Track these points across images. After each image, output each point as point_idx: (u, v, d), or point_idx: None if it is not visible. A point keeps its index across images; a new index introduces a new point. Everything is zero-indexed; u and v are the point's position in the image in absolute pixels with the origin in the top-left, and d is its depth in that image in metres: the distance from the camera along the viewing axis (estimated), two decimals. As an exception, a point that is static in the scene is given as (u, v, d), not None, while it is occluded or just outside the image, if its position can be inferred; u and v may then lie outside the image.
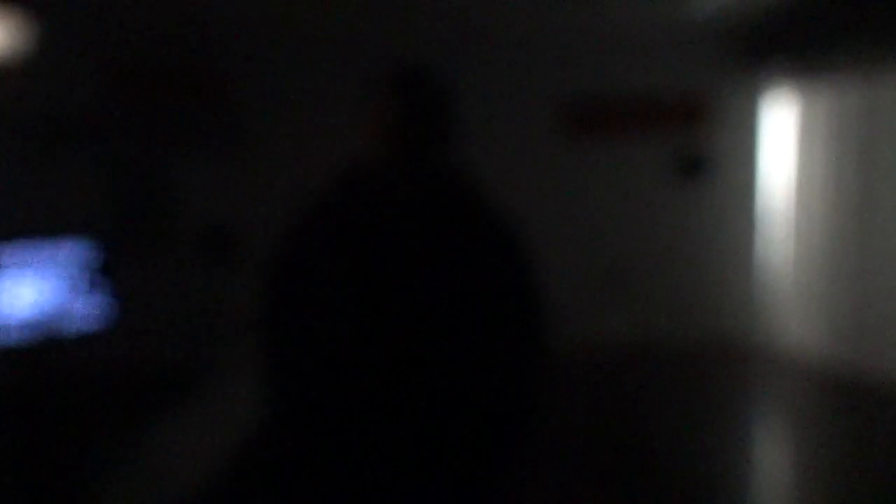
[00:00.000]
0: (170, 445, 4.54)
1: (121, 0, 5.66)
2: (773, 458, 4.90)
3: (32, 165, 6.52)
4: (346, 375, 1.64)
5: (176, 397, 5.41)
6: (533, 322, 1.76)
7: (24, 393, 5.85)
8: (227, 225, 6.88)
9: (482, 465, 1.71)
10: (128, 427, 5.04)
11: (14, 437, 5.07)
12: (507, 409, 1.72)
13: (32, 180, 6.49)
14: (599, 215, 7.25)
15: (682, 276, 7.30)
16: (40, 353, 5.90)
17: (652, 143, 7.21)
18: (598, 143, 7.19)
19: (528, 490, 4.10)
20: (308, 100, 6.94)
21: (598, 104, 7.15)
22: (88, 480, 4.28)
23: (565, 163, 7.18)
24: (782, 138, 7.12)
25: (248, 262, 6.73)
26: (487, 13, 6.10)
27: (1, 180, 6.41)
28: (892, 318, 5.88)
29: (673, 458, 4.58)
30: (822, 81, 6.57)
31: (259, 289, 1.76)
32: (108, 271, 6.19)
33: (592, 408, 5.61)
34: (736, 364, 6.79)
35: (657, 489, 4.15)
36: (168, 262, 6.86)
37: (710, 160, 7.26)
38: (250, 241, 6.81)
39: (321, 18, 6.13)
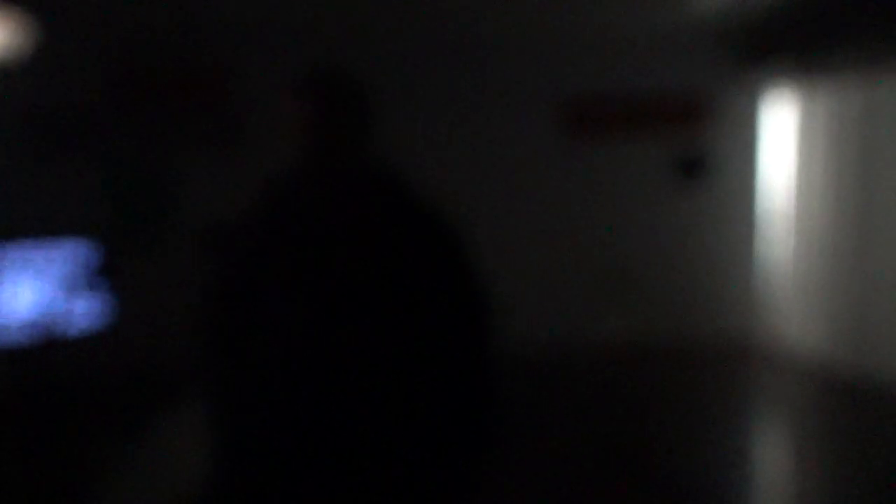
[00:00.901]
0: (170, 445, 4.54)
1: (121, 0, 5.66)
2: (773, 458, 4.90)
3: (32, 165, 6.52)
4: (289, 386, 1.63)
5: (175, 397, 5.41)
6: (468, 312, 1.72)
7: (24, 393, 5.85)
8: (227, 225, 6.87)
9: (428, 468, 1.68)
10: (127, 427, 5.04)
11: (14, 437, 5.07)
12: (452, 410, 1.69)
13: (32, 180, 6.48)
14: (599, 215, 7.24)
15: (682, 276, 7.29)
16: (40, 353, 5.90)
17: (652, 143, 7.21)
18: (599, 143, 7.18)
19: (527, 489, 4.10)
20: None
21: (598, 104, 7.15)
22: (88, 480, 4.27)
23: (565, 163, 7.17)
24: (782, 138, 7.12)
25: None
26: (487, 13, 6.10)
27: (1, 180, 6.41)
28: (892, 318, 5.87)
29: (673, 458, 4.58)
30: (822, 81, 6.56)
31: (200, 299, 1.77)
32: (108, 271, 6.19)
33: (592, 407, 5.60)
34: (736, 364, 6.79)
35: (657, 489, 4.15)
36: (168, 262, 6.86)
37: (710, 160, 7.26)
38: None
39: (322, 18, 6.13)
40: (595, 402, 5.75)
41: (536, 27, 6.57)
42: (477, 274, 1.75)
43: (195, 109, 6.84)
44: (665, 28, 6.66)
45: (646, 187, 7.25)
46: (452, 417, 1.68)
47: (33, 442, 4.92)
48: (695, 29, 6.70)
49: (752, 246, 7.38)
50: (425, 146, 6.90)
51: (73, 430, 5.10)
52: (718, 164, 7.28)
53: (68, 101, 6.59)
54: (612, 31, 6.72)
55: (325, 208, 1.68)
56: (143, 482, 4.18)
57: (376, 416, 1.63)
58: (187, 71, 6.81)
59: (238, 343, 1.69)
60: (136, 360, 6.57)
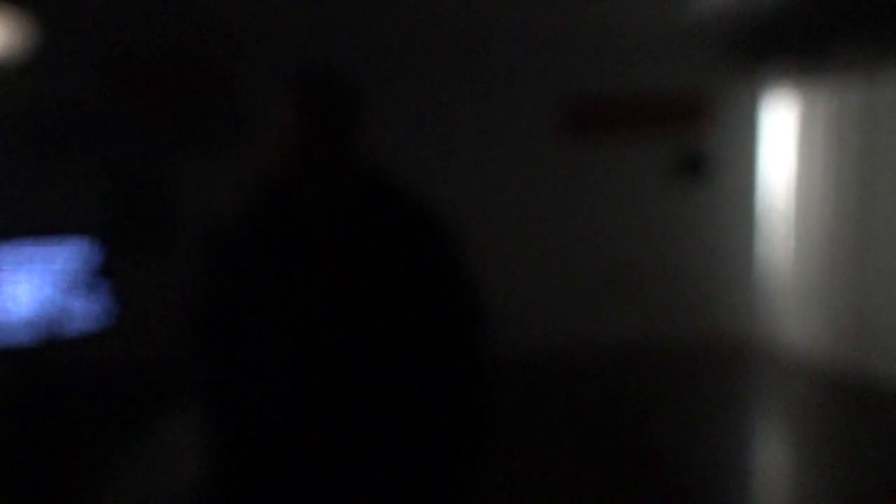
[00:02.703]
0: (170, 445, 4.54)
1: (121, 0, 5.66)
2: (773, 457, 4.90)
3: (33, 165, 6.52)
4: (281, 385, 1.63)
5: (175, 397, 5.41)
6: (463, 315, 1.73)
7: (24, 393, 5.85)
8: (221, 224, 6.87)
9: (423, 468, 1.68)
10: (128, 427, 5.04)
11: (14, 436, 5.07)
12: (445, 410, 1.69)
13: (33, 180, 6.49)
14: (599, 215, 7.25)
15: (682, 276, 7.30)
16: (40, 353, 5.90)
17: (652, 142, 7.21)
18: (598, 142, 7.19)
19: (527, 489, 4.10)
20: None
21: (598, 104, 7.15)
22: (88, 480, 4.28)
23: (565, 162, 7.17)
24: (782, 138, 7.12)
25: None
26: (487, 13, 6.10)
27: (1, 180, 6.41)
28: (892, 318, 5.87)
29: (673, 458, 4.58)
30: (822, 81, 6.57)
31: (193, 299, 1.77)
32: (108, 271, 6.19)
33: (592, 407, 5.61)
34: (736, 364, 6.79)
35: (657, 489, 4.15)
36: (168, 262, 6.86)
37: (710, 160, 7.26)
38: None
39: (323, 18, 6.13)
40: (595, 402, 5.75)
41: (536, 27, 6.57)
42: (468, 273, 1.75)
43: (195, 109, 6.84)
44: (665, 28, 6.66)
45: (646, 187, 7.25)
46: (445, 417, 1.68)
47: (33, 442, 4.92)
48: (695, 29, 6.70)
49: (752, 246, 7.38)
50: (425, 146, 6.91)
51: (73, 429, 5.10)
52: (718, 164, 7.28)
53: (69, 101, 6.60)
54: (612, 31, 6.72)
55: (318, 207, 1.68)
56: (143, 482, 4.18)
57: (371, 415, 1.63)
58: (187, 71, 6.82)
59: (232, 343, 1.69)
60: (136, 360, 6.57)
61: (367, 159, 1.77)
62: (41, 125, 6.55)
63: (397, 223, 1.70)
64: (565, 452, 4.66)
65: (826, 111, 6.57)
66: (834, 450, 4.78)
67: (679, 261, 7.29)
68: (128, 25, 6.36)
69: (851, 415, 5.43)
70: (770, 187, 7.27)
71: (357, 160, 1.74)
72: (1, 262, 5.56)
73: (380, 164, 1.78)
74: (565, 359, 6.92)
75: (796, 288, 6.94)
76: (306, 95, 1.71)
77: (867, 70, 6.04)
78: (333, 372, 1.62)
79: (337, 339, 1.62)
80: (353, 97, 1.75)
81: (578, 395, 5.94)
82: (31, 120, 6.52)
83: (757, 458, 4.86)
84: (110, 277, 6.20)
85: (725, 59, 7.16)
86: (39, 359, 5.93)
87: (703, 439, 4.92)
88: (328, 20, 6.21)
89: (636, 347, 7.13)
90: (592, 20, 6.36)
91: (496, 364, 1.82)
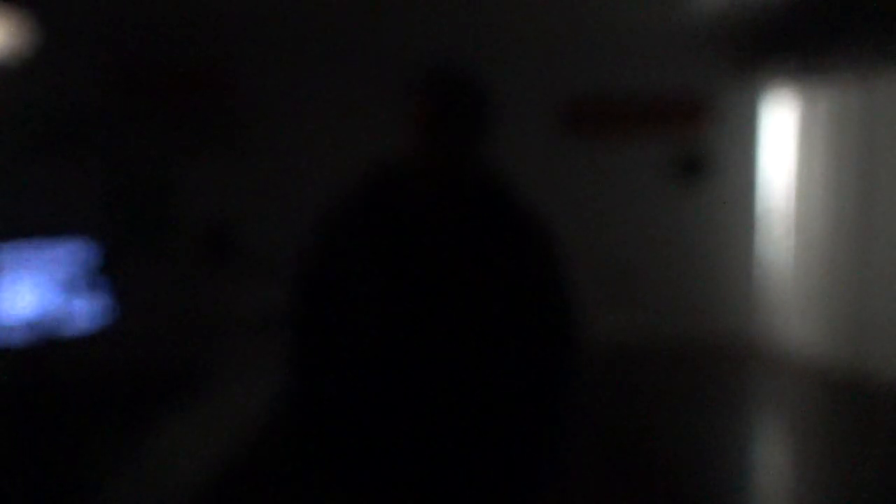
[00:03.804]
0: (170, 445, 4.54)
1: (121, 0, 5.66)
2: (772, 457, 4.90)
3: (32, 165, 6.52)
4: (376, 375, 1.64)
5: (176, 397, 5.41)
6: (562, 322, 1.77)
7: (24, 393, 5.85)
8: (227, 225, 6.88)
9: (512, 467, 1.71)
10: (128, 427, 5.04)
11: (14, 437, 5.07)
12: (538, 409, 1.73)
13: (32, 180, 6.48)
14: (599, 215, 7.24)
15: (682, 276, 7.29)
16: (40, 353, 5.90)
17: (652, 143, 7.21)
18: (599, 143, 7.18)
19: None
20: (308, 100, 6.94)
21: (598, 104, 7.15)
22: (88, 480, 4.27)
23: (565, 162, 7.17)
24: (782, 138, 7.12)
25: (248, 262, 6.72)
26: (488, 14, 6.10)
27: (1, 180, 6.41)
28: (892, 318, 5.87)
29: (673, 457, 4.58)
30: (822, 81, 6.56)
31: (291, 286, 1.76)
32: (108, 271, 6.19)
33: (591, 407, 5.60)
34: (736, 364, 6.79)
35: (657, 489, 4.15)
36: (168, 262, 6.86)
37: (710, 160, 7.26)
38: (250, 241, 6.81)
39: (322, 18, 6.13)
40: (594, 402, 5.75)
41: (537, 27, 6.57)
42: (567, 278, 1.80)
43: (195, 109, 6.84)
44: (665, 28, 6.66)
45: (646, 187, 7.25)
46: (537, 410, 1.72)
47: (33, 442, 4.92)
48: (695, 29, 6.70)
49: (752, 246, 7.38)
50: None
51: (73, 429, 5.10)
52: (718, 164, 7.28)
53: (68, 101, 6.59)
54: (612, 31, 6.72)
55: (433, 203, 1.69)
56: (144, 481, 4.18)
57: (460, 411, 1.65)
58: (187, 71, 6.82)
59: (329, 333, 1.69)
60: (136, 359, 6.57)
61: (484, 162, 1.80)
62: (41, 125, 6.55)
63: (503, 228, 1.73)
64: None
65: (826, 111, 6.57)
66: (833, 450, 4.78)
67: (679, 261, 7.29)
68: (128, 25, 6.36)
69: (851, 415, 5.42)
70: (770, 187, 7.27)
71: (475, 161, 1.76)
72: (1, 263, 5.56)
73: (494, 169, 1.80)
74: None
75: (796, 288, 6.94)
76: (435, 94, 1.73)
77: (867, 70, 6.04)
78: (425, 365, 1.64)
79: (429, 334, 1.64)
80: (481, 99, 1.78)
81: (578, 395, 5.93)
82: (31, 120, 6.52)
83: (756, 458, 4.86)
84: (110, 277, 6.20)
85: (725, 60, 7.16)
86: (39, 359, 5.93)
87: (702, 439, 4.92)
88: (328, 20, 6.21)
89: (636, 347, 7.13)
90: (593, 21, 6.36)
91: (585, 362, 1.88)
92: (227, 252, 6.85)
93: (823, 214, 6.62)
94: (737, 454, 4.78)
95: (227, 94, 6.84)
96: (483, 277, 1.66)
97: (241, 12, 5.97)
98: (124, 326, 6.34)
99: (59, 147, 6.63)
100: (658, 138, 7.20)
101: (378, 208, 1.70)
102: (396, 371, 1.62)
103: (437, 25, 6.45)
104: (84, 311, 5.97)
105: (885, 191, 5.98)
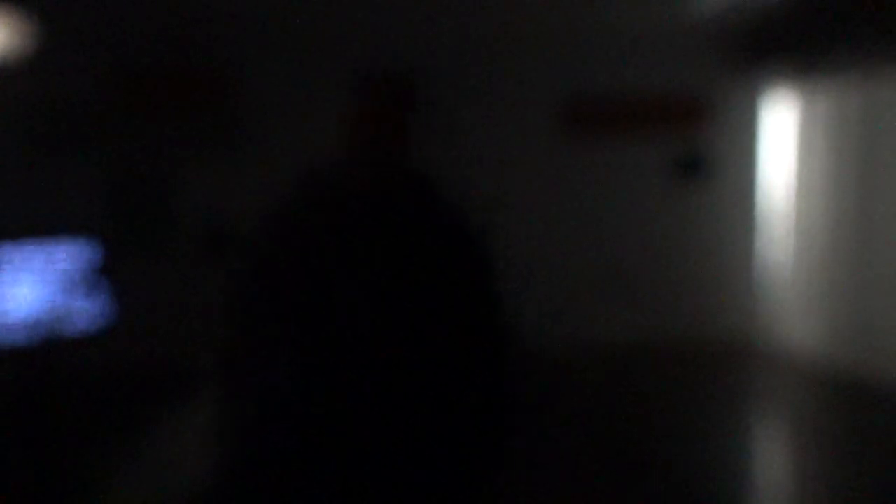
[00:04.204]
0: (170, 446, 4.54)
1: (121, 1, 5.66)
2: (772, 457, 4.90)
3: (32, 165, 6.52)
4: (309, 380, 1.61)
5: (176, 397, 5.41)
6: (495, 326, 1.73)
7: (24, 393, 5.85)
8: (227, 225, 6.88)
9: (454, 469, 1.68)
10: (128, 427, 5.04)
11: (14, 436, 5.07)
12: (476, 412, 1.69)
13: (32, 180, 6.48)
14: (599, 215, 7.24)
15: (682, 276, 7.29)
16: (40, 353, 5.90)
17: (652, 143, 7.21)
18: (598, 143, 7.19)
19: (527, 489, 4.10)
20: (308, 100, 6.94)
21: (597, 104, 7.15)
22: (89, 480, 4.27)
23: (565, 163, 7.17)
24: (782, 138, 7.12)
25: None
26: (488, 13, 6.10)
27: (1, 180, 6.41)
28: (892, 318, 5.87)
29: (672, 457, 4.58)
30: (822, 81, 6.57)
31: (226, 288, 1.74)
32: (108, 271, 6.18)
33: (592, 407, 5.61)
34: (736, 364, 6.79)
35: (657, 489, 4.15)
36: (168, 262, 6.86)
37: (710, 160, 7.26)
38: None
39: (322, 18, 6.13)
40: (594, 402, 5.75)
41: (536, 27, 6.57)
42: (501, 279, 1.76)
43: (195, 109, 6.84)
44: (665, 28, 6.66)
45: (646, 187, 7.25)
46: (474, 421, 1.69)
47: (34, 442, 4.92)
48: (695, 29, 6.70)
49: (752, 246, 7.38)
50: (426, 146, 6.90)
51: (74, 429, 5.10)
52: (718, 164, 7.28)
53: (69, 101, 6.59)
54: (612, 31, 6.72)
55: (363, 203, 1.67)
56: (144, 482, 4.18)
57: (392, 416, 1.62)
58: (187, 71, 6.82)
59: (256, 340, 1.67)
60: (137, 359, 6.57)
61: (416, 161, 1.78)
62: (41, 125, 6.55)
63: (435, 228, 1.70)
64: (564, 452, 4.66)
65: (826, 111, 6.57)
66: (834, 450, 4.78)
67: (679, 261, 7.29)
68: (128, 26, 6.37)
69: (851, 415, 5.43)
70: (770, 187, 7.27)
71: (410, 160, 1.75)
72: (1, 263, 5.56)
73: (427, 167, 1.78)
74: (564, 358, 6.92)
75: (796, 288, 6.94)
76: (370, 94, 1.71)
77: (867, 70, 6.04)
78: (354, 370, 1.61)
79: (358, 338, 1.61)
80: (417, 99, 1.76)
81: (578, 395, 5.94)
82: (31, 120, 6.52)
83: (756, 458, 4.86)
84: (110, 277, 6.20)
85: (725, 59, 7.16)
86: (39, 359, 5.93)
87: (702, 439, 4.92)
88: (328, 19, 6.21)
89: (636, 347, 7.13)
90: (593, 20, 6.36)
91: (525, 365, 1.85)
92: (227, 252, 6.85)
93: (823, 214, 6.62)
94: (737, 454, 4.78)
95: (227, 94, 6.84)
96: (413, 277, 1.62)
97: (241, 13, 5.97)
98: (124, 326, 6.33)
99: (59, 147, 6.63)
100: (658, 138, 7.20)
101: (309, 209, 1.67)
102: (325, 379, 1.59)
103: (437, 25, 6.45)
104: (84, 311, 5.97)
105: (885, 191, 5.98)
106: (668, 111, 7.18)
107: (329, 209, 1.68)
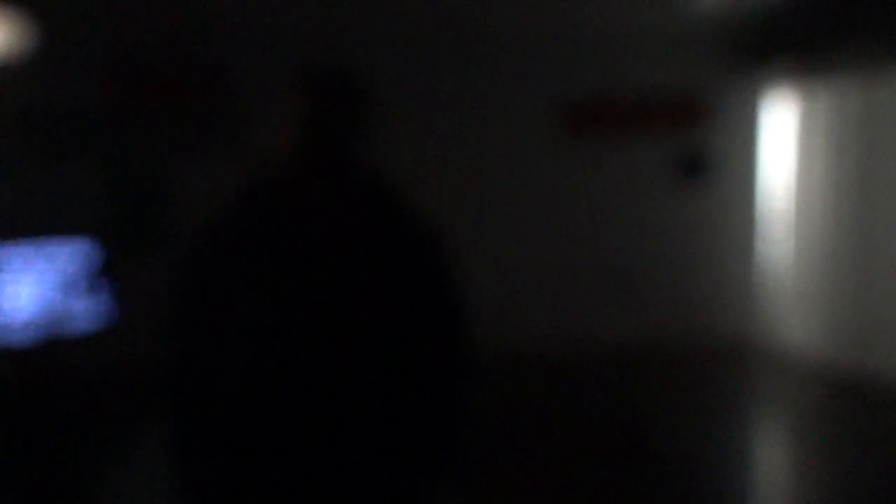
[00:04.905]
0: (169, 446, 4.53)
1: (121, 0, 5.66)
2: (773, 458, 4.90)
3: (32, 165, 6.52)
4: (261, 385, 1.59)
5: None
6: (451, 326, 1.71)
7: (24, 393, 5.85)
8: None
9: (406, 472, 1.66)
10: (128, 427, 5.04)
11: (14, 436, 5.07)
12: (427, 413, 1.68)
13: (32, 180, 6.49)
14: (599, 215, 7.24)
15: (682, 276, 7.30)
16: (41, 353, 5.90)
17: (652, 143, 7.21)
18: (599, 143, 7.19)
19: (525, 490, 4.10)
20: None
21: (598, 104, 7.15)
22: (89, 480, 4.28)
23: (565, 163, 7.17)
24: (782, 138, 7.12)
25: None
26: (488, 13, 6.10)
27: (1, 180, 6.41)
28: (892, 318, 5.88)
29: (673, 458, 4.58)
30: (822, 81, 6.57)
31: (172, 295, 1.73)
32: (108, 271, 6.19)
33: (591, 407, 5.61)
34: (736, 364, 6.79)
35: (657, 489, 4.15)
36: (168, 262, 6.85)
37: (710, 160, 7.26)
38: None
39: (323, 18, 6.13)
40: (594, 402, 5.75)
41: (536, 27, 6.57)
42: (456, 281, 1.73)
43: (195, 109, 6.84)
44: (665, 28, 6.66)
45: (646, 187, 7.25)
46: (429, 424, 1.67)
47: (34, 441, 4.92)
48: (695, 29, 6.70)
49: (752, 246, 7.38)
50: (426, 147, 6.90)
51: (74, 429, 5.10)
52: (718, 164, 7.28)
53: (68, 101, 6.59)
54: (612, 31, 6.72)
55: (313, 208, 1.65)
56: (144, 482, 4.18)
57: (355, 420, 1.61)
58: (187, 71, 6.82)
59: (211, 344, 1.65)
60: (137, 360, 6.57)
61: (368, 162, 1.75)
62: (41, 125, 6.55)
63: (391, 229, 1.67)
64: (562, 451, 4.66)
65: (826, 111, 6.57)
66: (834, 450, 4.78)
67: (679, 261, 7.29)
68: (127, 26, 6.37)
69: (851, 415, 5.43)
70: (770, 187, 7.28)
71: (359, 162, 1.73)
72: (1, 263, 5.56)
73: (380, 168, 1.76)
74: (565, 359, 6.92)
75: (796, 288, 6.95)
76: (313, 94, 1.69)
77: (867, 70, 6.04)
78: (316, 375, 1.59)
79: (319, 341, 1.59)
80: (361, 98, 1.74)
81: (578, 395, 5.94)
82: (30, 120, 6.52)
83: (756, 458, 4.86)
84: (110, 277, 6.20)
85: (726, 59, 7.16)
86: (39, 359, 5.93)
87: (702, 439, 4.92)
88: (328, 20, 6.21)
89: (636, 347, 7.13)
90: (593, 20, 6.36)
91: (498, 362, 1.84)
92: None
93: (823, 214, 6.62)
94: (737, 454, 4.78)
95: (226, 94, 6.84)
96: (368, 279, 1.61)
97: (241, 12, 5.97)
98: (124, 326, 6.34)
99: (59, 147, 6.63)
100: (658, 138, 7.20)
101: (259, 213, 1.66)
102: (281, 380, 1.58)
103: (437, 26, 6.45)
104: (84, 311, 5.97)
105: (885, 191, 5.99)
106: (668, 111, 7.18)
107: (283, 216, 1.67)
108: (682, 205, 7.29)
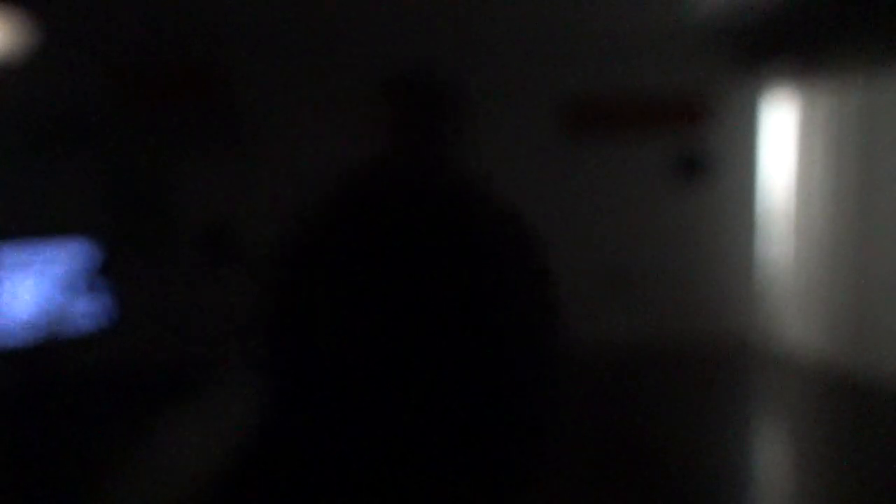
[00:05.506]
0: (170, 446, 4.54)
1: (121, 0, 5.66)
2: (773, 458, 4.90)
3: (32, 165, 6.52)
4: (349, 376, 1.62)
5: (176, 397, 5.41)
6: (544, 326, 1.74)
7: (24, 393, 5.85)
8: (226, 225, 6.88)
9: (488, 468, 1.69)
10: (128, 427, 5.04)
11: (14, 437, 5.07)
12: (515, 410, 1.71)
13: (32, 180, 6.49)
14: (599, 215, 7.25)
15: (682, 276, 7.30)
16: (40, 354, 5.90)
17: (652, 142, 7.21)
18: (599, 143, 7.19)
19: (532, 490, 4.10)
20: (308, 100, 6.94)
21: (598, 104, 7.15)
22: (90, 480, 4.28)
23: (565, 163, 7.18)
24: (782, 138, 7.12)
25: (248, 262, 6.73)
26: (488, 13, 6.10)
27: (1, 180, 6.41)
28: (893, 318, 5.88)
29: (673, 458, 4.58)
30: (822, 81, 6.57)
31: (262, 287, 1.74)
32: (108, 271, 6.19)
33: (592, 407, 5.61)
34: (736, 364, 6.79)
35: (658, 489, 4.15)
36: (168, 262, 6.86)
37: (710, 160, 7.26)
38: (250, 241, 6.81)
39: (322, 18, 6.13)
40: (594, 402, 5.75)
41: (536, 27, 6.57)
42: (550, 278, 1.77)
43: (195, 109, 6.85)
44: (665, 28, 6.67)
45: (646, 187, 7.25)
46: (513, 412, 1.70)
47: (34, 442, 4.92)
48: (695, 29, 6.71)
49: (752, 246, 7.38)
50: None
51: (75, 429, 5.10)
52: (718, 164, 7.28)
53: (68, 101, 6.60)
54: (613, 31, 6.72)
55: (404, 204, 1.66)
56: (145, 482, 4.18)
57: (432, 413, 1.62)
58: (187, 71, 6.82)
59: (296, 339, 1.67)
60: (137, 359, 6.57)
61: (456, 162, 1.77)
62: (41, 125, 6.55)
63: (478, 225, 1.69)
64: (563, 452, 4.66)
65: (826, 111, 6.57)
66: (834, 450, 4.78)
67: (679, 260, 7.30)
68: (127, 25, 6.37)
69: (851, 415, 5.43)
70: (770, 187, 7.28)
71: (447, 162, 1.74)
72: (1, 263, 5.56)
73: (468, 169, 1.78)
74: (564, 358, 6.92)
75: (796, 288, 6.95)
76: (405, 93, 1.71)
77: (867, 70, 6.04)
78: (398, 370, 1.61)
79: (404, 339, 1.61)
80: (452, 98, 1.76)
81: (577, 395, 5.94)
82: (30, 120, 6.52)
83: (756, 458, 4.86)
84: (110, 277, 6.20)
85: (725, 59, 7.16)
86: (39, 359, 5.93)
87: (702, 439, 4.92)
88: (328, 19, 6.22)
89: (636, 347, 7.13)
90: (592, 20, 6.36)
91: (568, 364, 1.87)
92: (227, 252, 6.85)
93: (823, 214, 6.62)
94: (736, 454, 4.78)
95: (226, 94, 6.84)
96: (459, 280, 1.62)
97: (241, 12, 5.97)
98: (124, 326, 6.34)
99: (59, 147, 6.63)
100: (658, 138, 7.21)
101: (349, 212, 1.67)
102: (372, 373, 1.60)
103: (436, 26, 6.45)
104: (84, 311, 5.97)
105: (885, 191, 5.99)
106: (668, 111, 7.18)
107: (374, 209, 1.68)
108: (682, 205, 7.30)
